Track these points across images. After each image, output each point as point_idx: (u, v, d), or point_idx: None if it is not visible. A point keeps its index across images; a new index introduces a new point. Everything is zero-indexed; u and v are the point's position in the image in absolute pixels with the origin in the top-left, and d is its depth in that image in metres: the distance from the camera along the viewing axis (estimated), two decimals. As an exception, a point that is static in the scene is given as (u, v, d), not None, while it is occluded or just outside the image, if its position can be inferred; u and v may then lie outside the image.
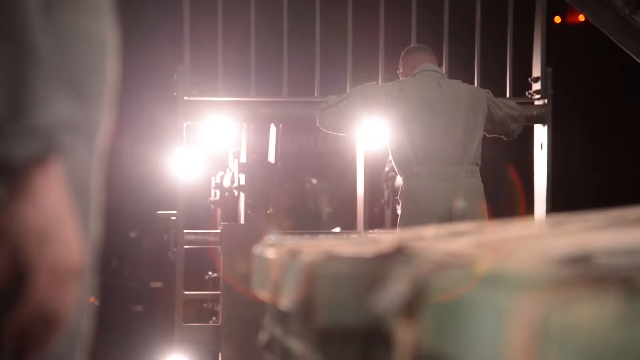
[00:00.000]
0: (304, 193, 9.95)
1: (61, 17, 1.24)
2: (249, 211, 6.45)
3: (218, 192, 9.00)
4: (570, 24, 13.62)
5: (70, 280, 1.10)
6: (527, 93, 6.38)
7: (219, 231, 6.28)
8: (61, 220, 1.09)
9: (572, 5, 6.74)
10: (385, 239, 1.20)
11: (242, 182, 6.56)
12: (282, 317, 1.27)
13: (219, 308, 6.23)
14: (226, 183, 8.41)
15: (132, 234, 16.40)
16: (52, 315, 1.09)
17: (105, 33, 1.30)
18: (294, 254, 1.20)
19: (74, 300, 1.11)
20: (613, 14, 6.37)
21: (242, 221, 6.73)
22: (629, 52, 6.42)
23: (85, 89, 1.26)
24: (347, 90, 6.23)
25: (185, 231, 6.18)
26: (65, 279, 1.09)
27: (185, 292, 6.23)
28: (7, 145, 1.07)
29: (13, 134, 1.07)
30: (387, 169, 7.47)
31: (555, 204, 6.16)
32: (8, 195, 1.08)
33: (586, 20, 6.82)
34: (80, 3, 1.26)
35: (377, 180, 7.57)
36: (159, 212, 6.97)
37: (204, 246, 6.45)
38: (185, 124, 6.21)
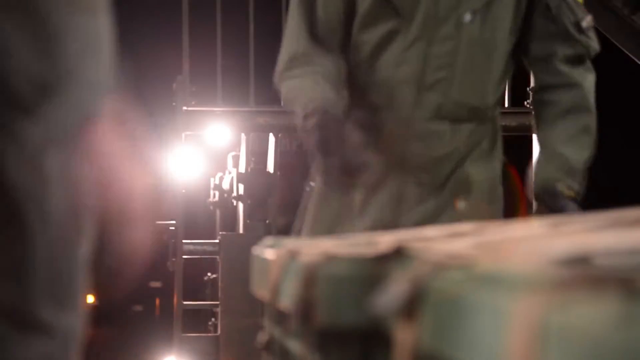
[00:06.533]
0: (302, 196, 9.92)
1: (57, 16, 1.24)
2: (247, 221, 6.44)
3: (217, 193, 8.99)
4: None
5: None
6: (525, 102, 6.39)
7: (217, 241, 6.27)
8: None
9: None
10: (384, 239, 1.20)
11: (241, 191, 6.56)
12: (281, 318, 1.27)
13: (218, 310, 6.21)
14: (225, 185, 8.39)
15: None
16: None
17: (102, 32, 1.30)
18: (293, 254, 1.20)
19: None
20: (612, 14, 6.36)
21: (240, 231, 6.72)
22: (628, 53, 6.42)
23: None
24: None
25: (184, 241, 6.17)
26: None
27: (185, 302, 6.21)
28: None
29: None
30: None
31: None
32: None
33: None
34: (76, 2, 1.26)
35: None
36: (157, 222, 6.96)
37: (203, 256, 6.44)
38: (184, 134, 6.21)
